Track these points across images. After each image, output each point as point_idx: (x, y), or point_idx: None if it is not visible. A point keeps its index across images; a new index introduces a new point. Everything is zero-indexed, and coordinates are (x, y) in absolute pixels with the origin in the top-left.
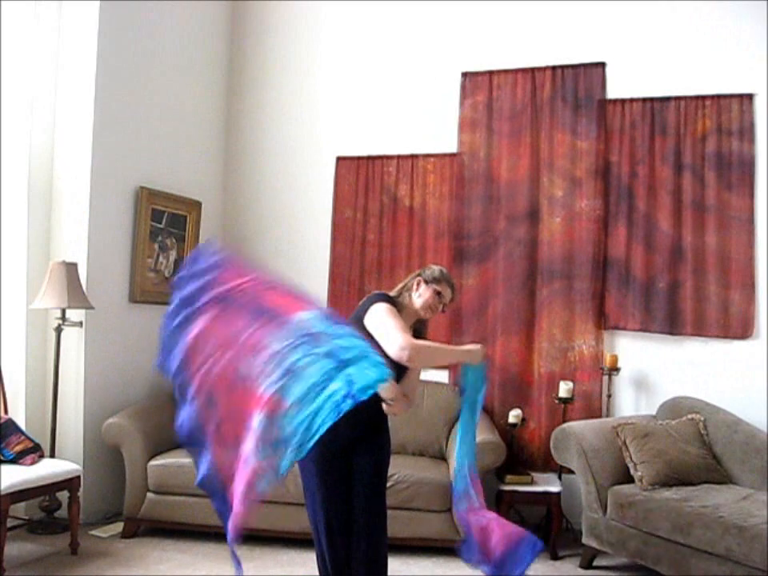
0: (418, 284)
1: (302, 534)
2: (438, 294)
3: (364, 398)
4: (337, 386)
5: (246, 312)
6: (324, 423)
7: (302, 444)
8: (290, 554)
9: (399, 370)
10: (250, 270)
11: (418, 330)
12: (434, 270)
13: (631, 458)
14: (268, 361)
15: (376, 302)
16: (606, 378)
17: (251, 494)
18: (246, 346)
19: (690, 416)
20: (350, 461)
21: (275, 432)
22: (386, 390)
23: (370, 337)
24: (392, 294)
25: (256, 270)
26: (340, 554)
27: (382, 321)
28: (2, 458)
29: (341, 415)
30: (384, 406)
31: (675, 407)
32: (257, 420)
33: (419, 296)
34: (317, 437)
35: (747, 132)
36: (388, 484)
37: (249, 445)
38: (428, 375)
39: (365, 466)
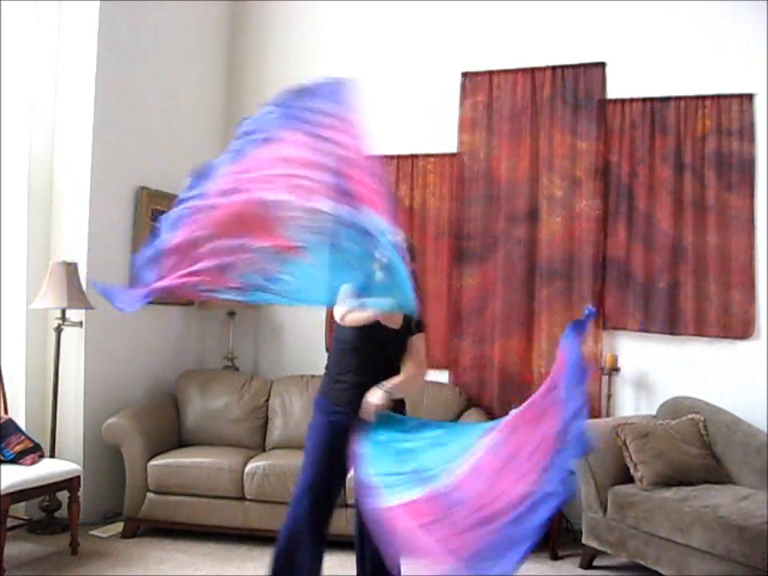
0: None
1: None
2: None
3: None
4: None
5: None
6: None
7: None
8: None
9: (397, 343)
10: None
11: (418, 323)
12: None
13: (631, 458)
14: (312, 216)
15: None
16: (605, 378)
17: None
18: (298, 187)
19: (690, 416)
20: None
21: (271, 267)
22: (375, 396)
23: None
24: None
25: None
26: (306, 523)
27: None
28: (2, 457)
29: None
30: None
31: (675, 407)
32: (258, 245)
33: None
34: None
35: (747, 132)
36: None
37: (233, 257)
38: (428, 375)
39: None
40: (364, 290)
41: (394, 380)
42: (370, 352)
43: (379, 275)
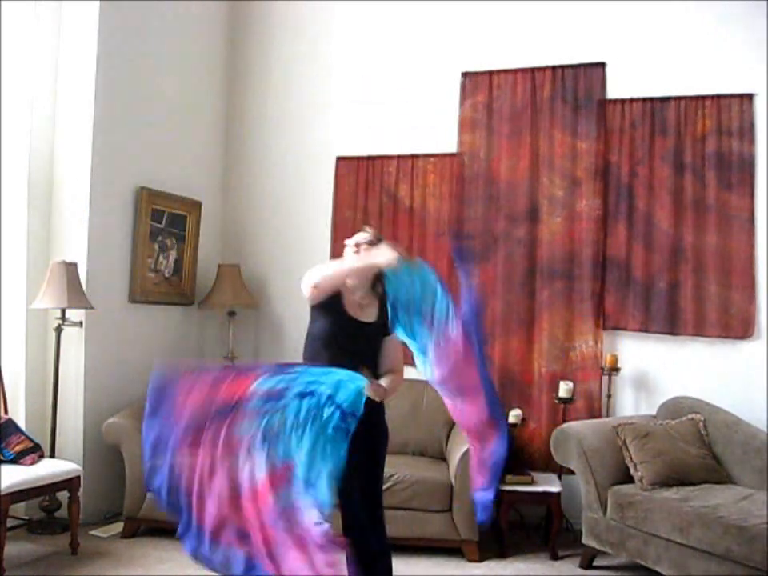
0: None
1: None
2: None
3: (359, 409)
4: (327, 411)
5: (211, 423)
6: (337, 449)
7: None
8: None
9: (373, 343)
10: (193, 381)
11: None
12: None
13: (631, 458)
14: (247, 449)
15: None
16: (606, 378)
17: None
18: (226, 453)
19: (690, 416)
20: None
21: (295, 494)
22: (373, 392)
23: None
24: None
25: (196, 375)
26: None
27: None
28: (2, 457)
29: (350, 435)
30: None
31: (675, 407)
32: (274, 500)
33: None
34: (337, 462)
35: (747, 132)
36: (388, 484)
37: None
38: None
39: (360, 464)
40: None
41: (386, 385)
42: (342, 346)
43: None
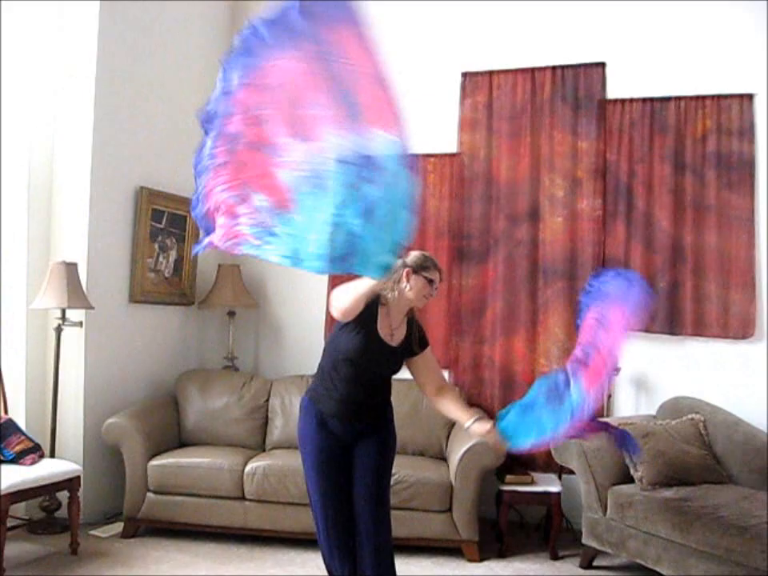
0: (407, 275)
1: (302, 533)
2: (430, 281)
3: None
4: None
5: (329, 88)
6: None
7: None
8: (290, 554)
9: (395, 360)
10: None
11: (410, 320)
12: (418, 256)
13: (631, 458)
14: (309, 157)
15: None
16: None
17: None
18: (300, 122)
19: (690, 416)
20: (352, 456)
21: (269, 222)
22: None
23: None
24: None
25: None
26: (332, 544)
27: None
28: (2, 458)
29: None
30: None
31: (675, 407)
32: (258, 198)
33: (410, 288)
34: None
35: (747, 132)
36: None
37: (242, 209)
38: None
39: (368, 461)
40: (345, 249)
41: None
42: (364, 365)
43: (357, 223)
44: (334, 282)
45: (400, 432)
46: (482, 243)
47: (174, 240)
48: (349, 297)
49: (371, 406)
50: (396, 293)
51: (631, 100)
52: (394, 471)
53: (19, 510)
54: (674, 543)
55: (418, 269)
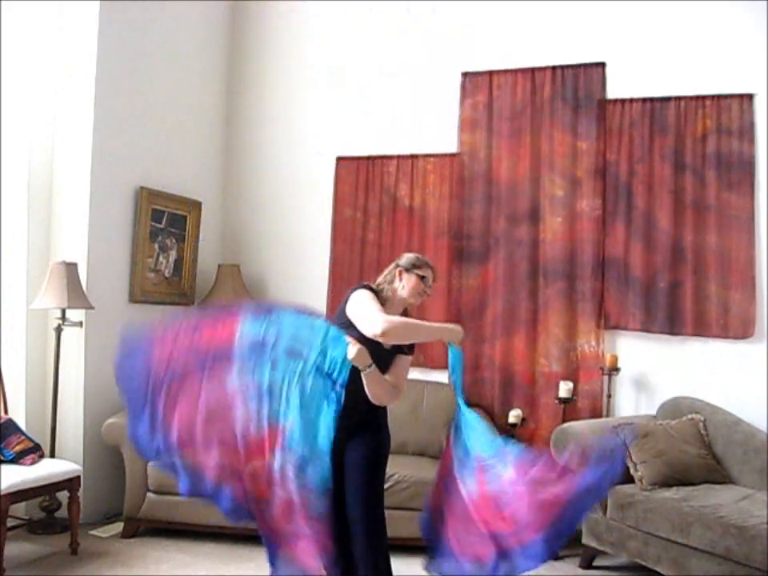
0: (400, 274)
1: None
2: (422, 278)
3: (345, 378)
4: (314, 380)
5: (197, 373)
6: (328, 420)
7: (317, 450)
8: None
9: (385, 360)
10: (171, 331)
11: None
12: (410, 257)
13: (631, 458)
14: (245, 401)
15: (356, 290)
16: (606, 377)
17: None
18: (220, 406)
19: (690, 416)
20: (342, 458)
21: (289, 456)
22: (351, 352)
23: (351, 325)
24: (373, 287)
25: (172, 325)
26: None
27: (359, 304)
28: (2, 457)
29: (341, 401)
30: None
31: (675, 407)
32: (274, 459)
33: (403, 286)
34: (329, 435)
35: (747, 132)
36: (388, 484)
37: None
38: (428, 375)
39: (357, 463)
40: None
41: (378, 373)
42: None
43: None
44: (334, 282)
45: (400, 432)
46: (482, 243)
47: (173, 240)
48: (408, 333)
49: (364, 404)
50: (390, 292)
51: (631, 100)
52: (394, 471)
53: (19, 510)
54: (674, 543)
55: (410, 267)
